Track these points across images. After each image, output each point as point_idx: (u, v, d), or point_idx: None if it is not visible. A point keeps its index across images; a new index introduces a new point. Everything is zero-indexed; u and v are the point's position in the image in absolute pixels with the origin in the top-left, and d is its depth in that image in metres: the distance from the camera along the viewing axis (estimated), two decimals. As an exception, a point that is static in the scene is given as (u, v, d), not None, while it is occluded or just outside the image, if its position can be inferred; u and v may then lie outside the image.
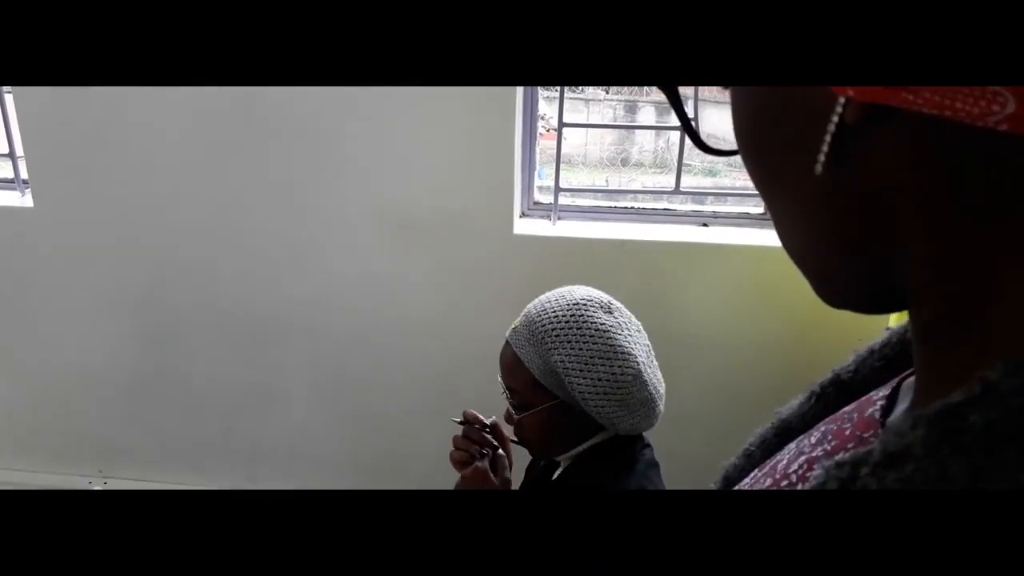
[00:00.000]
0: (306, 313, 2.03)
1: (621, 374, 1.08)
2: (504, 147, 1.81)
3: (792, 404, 0.54)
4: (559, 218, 1.98)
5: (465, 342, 1.97)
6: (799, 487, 0.42)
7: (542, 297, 1.18)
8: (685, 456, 1.99)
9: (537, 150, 1.97)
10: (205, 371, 2.12)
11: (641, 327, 1.18)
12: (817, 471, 0.33)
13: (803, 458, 0.44)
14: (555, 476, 1.25)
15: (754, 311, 1.87)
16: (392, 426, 2.11)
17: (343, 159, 1.86)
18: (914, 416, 0.29)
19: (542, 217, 1.99)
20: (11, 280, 2.09)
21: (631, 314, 1.18)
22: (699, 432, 1.98)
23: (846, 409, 0.46)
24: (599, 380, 1.08)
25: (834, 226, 0.33)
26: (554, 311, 1.13)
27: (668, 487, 2.00)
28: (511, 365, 1.17)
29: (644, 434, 1.20)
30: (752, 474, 0.50)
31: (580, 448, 1.18)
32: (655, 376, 1.14)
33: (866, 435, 0.41)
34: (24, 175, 2.04)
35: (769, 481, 0.45)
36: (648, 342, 1.18)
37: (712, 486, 0.57)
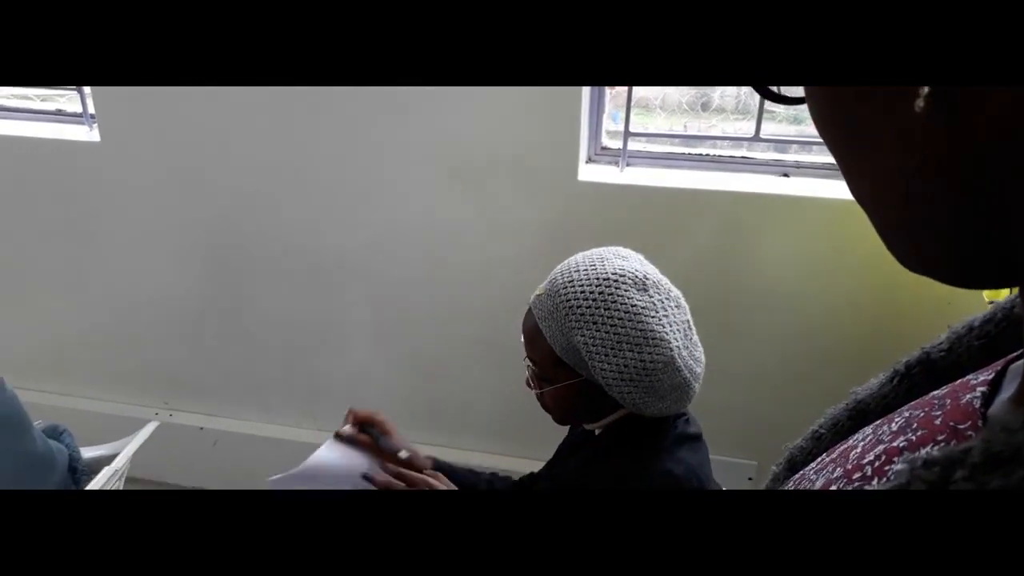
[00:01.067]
0: (366, 255, 2.00)
1: (651, 361, 0.99)
2: (571, 88, 1.71)
3: (871, 384, 0.47)
4: (628, 165, 1.88)
5: (525, 291, 1.90)
6: (874, 482, 0.35)
7: (571, 262, 1.08)
8: (754, 415, 1.93)
9: (608, 92, 1.87)
10: (267, 308, 2.13)
11: (682, 300, 1.07)
12: (899, 466, 0.27)
13: (881, 447, 0.37)
14: (591, 439, 1.18)
15: (834, 269, 1.75)
16: (449, 371, 2.09)
17: (405, 101, 1.80)
18: None
19: (610, 163, 1.90)
20: (79, 213, 2.12)
21: (670, 286, 1.06)
22: (769, 392, 1.89)
23: (936, 393, 0.39)
24: (625, 367, 0.99)
25: (934, 176, 0.27)
26: (582, 285, 1.02)
27: (735, 446, 1.93)
28: (532, 336, 1.08)
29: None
30: (819, 459, 0.44)
31: (608, 420, 1.11)
32: (692, 356, 1.04)
33: (961, 427, 0.34)
34: (91, 109, 2.05)
35: (839, 471, 0.39)
36: (688, 317, 1.06)
37: (774, 469, 0.51)
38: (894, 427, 0.38)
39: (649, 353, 0.99)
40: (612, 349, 0.99)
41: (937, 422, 0.36)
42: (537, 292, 1.10)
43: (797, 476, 0.45)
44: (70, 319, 2.28)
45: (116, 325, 2.26)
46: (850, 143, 0.31)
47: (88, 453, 1.49)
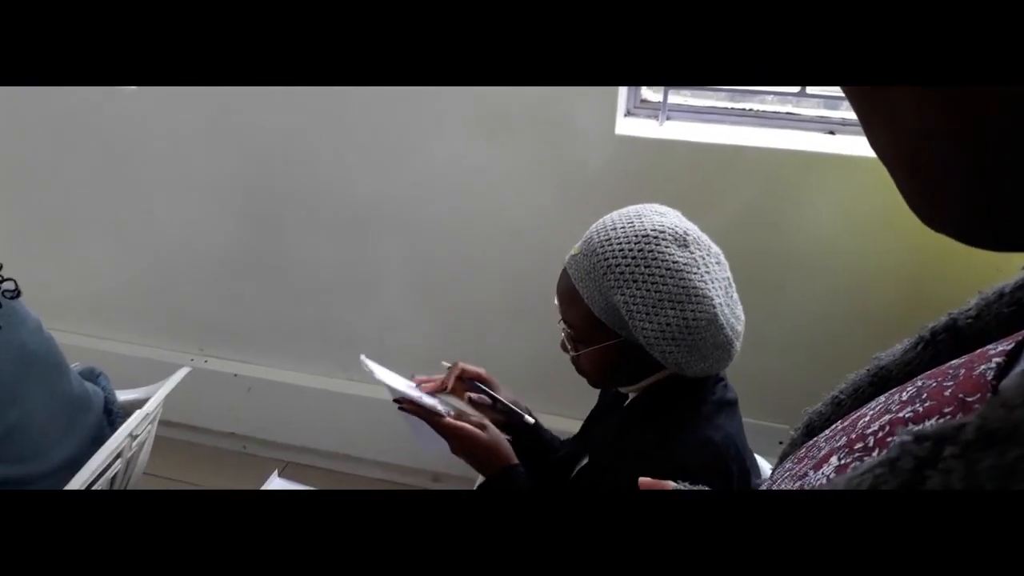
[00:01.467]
0: (400, 207, 1.99)
1: (694, 319, 0.96)
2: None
3: (895, 350, 0.46)
4: (667, 119, 1.83)
5: (558, 245, 1.88)
6: (874, 454, 0.34)
7: (607, 221, 1.04)
8: (788, 378, 1.89)
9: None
10: (302, 258, 2.14)
11: (722, 257, 1.04)
12: (896, 439, 0.26)
13: (887, 417, 0.35)
14: (624, 404, 1.16)
15: (879, 232, 1.70)
16: (481, 323, 2.08)
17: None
18: None
19: (649, 117, 1.85)
20: (117, 157, 2.13)
21: (710, 243, 1.04)
22: (807, 357, 1.86)
23: (954, 363, 0.37)
24: (668, 325, 0.96)
25: (946, 138, 0.26)
26: (620, 243, 0.99)
27: (766, 409, 1.91)
28: (568, 297, 1.06)
29: None
30: (833, 426, 0.42)
31: (645, 383, 1.09)
32: (733, 314, 1.01)
33: (970, 399, 0.32)
34: (127, 53, 2.04)
35: (844, 440, 0.37)
36: (728, 274, 1.04)
37: (792, 433, 0.50)
38: (904, 396, 0.36)
39: (692, 311, 0.96)
40: (653, 307, 0.96)
41: (947, 393, 0.34)
42: (572, 252, 1.07)
43: (811, 442, 0.43)
44: (109, 263, 2.31)
45: (154, 271, 2.28)
46: (866, 104, 0.30)
47: (123, 396, 1.51)
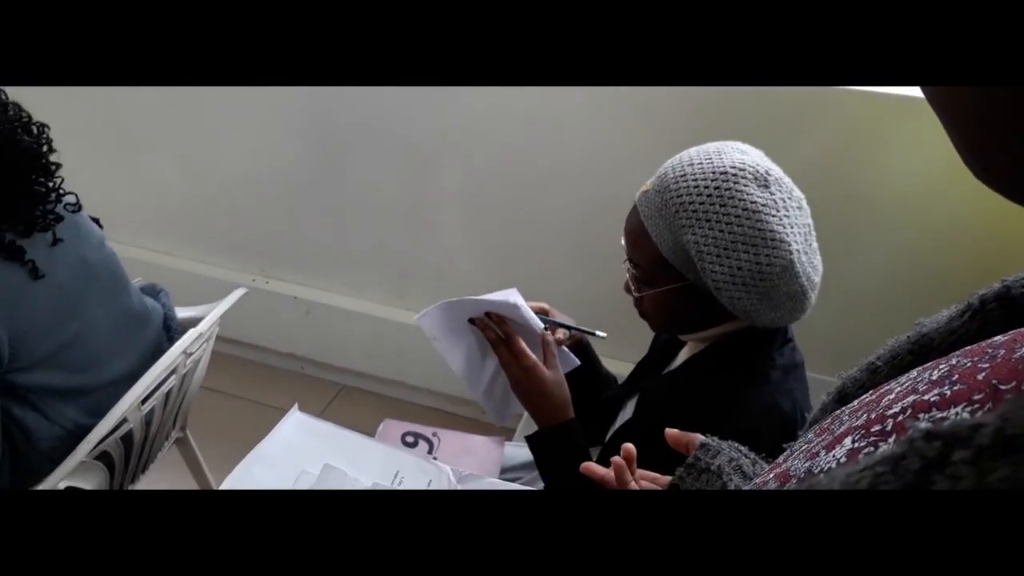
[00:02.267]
0: (462, 137, 1.96)
1: (768, 264, 0.90)
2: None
3: (939, 316, 0.42)
4: (745, 53, 1.73)
5: (619, 184, 1.82)
6: (890, 441, 0.30)
7: (683, 156, 0.98)
8: (854, 339, 1.81)
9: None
10: (365, 185, 2.14)
11: (804, 202, 0.97)
12: (908, 432, 0.23)
13: (912, 398, 0.31)
14: (676, 365, 1.12)
15: (966, 184, 1.57)
16: (538, 261, 2.06)
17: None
18: None
19: (725, 51, 1.75)
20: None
21: (793, 186, 0.96)
22: (873, 315, 1.78)
23: (996, 339, 0.32)
24: (739, 269, 0.90)
25: (1006, 114, 0.26)
26: (695, 179, 0.93)
27: (828, 373, 1.84)
28: (636, 235, 1.00)
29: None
30: (860, 398, 0.38)
31: (709, 332, 1.03)
32: (810, 263, 0.94)
33: (1004, 387, 0.28)
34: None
35: (863, 418, 0.34)
36: (810, 221, 0.96)
37: (824, 398, 0.48)
38: (935, 375, 0.32)
39: (766, 255, 0.90)
40: (725, 249, 0.90)
41: (980, 377, 0.29)
42: (644, 188, 1.01)
43: (837, 412, 0.40)
44: (177, 182, 2.36)
45: (220, 192, 2.32)
46: None
47: (183, 313, 1.55)
